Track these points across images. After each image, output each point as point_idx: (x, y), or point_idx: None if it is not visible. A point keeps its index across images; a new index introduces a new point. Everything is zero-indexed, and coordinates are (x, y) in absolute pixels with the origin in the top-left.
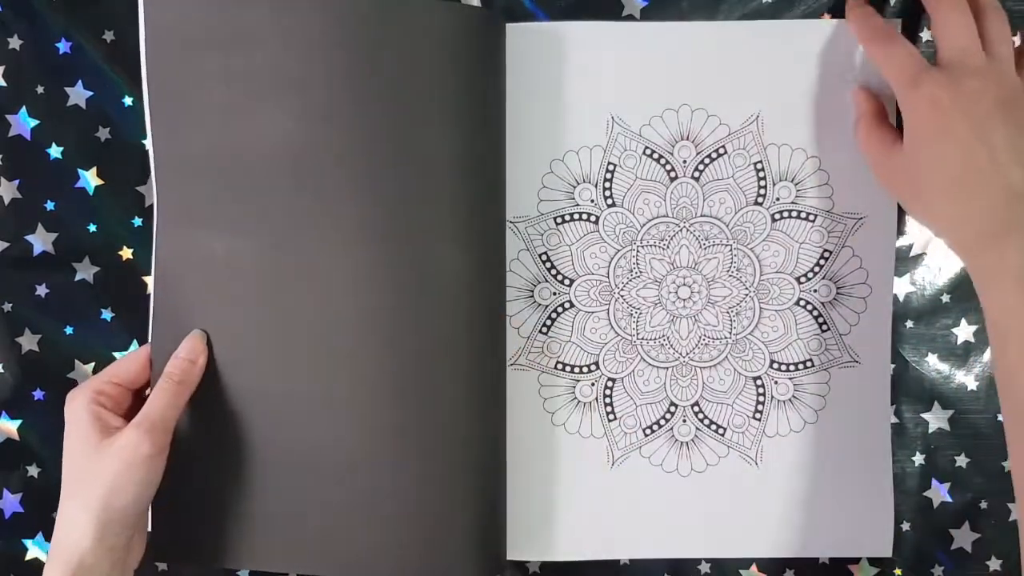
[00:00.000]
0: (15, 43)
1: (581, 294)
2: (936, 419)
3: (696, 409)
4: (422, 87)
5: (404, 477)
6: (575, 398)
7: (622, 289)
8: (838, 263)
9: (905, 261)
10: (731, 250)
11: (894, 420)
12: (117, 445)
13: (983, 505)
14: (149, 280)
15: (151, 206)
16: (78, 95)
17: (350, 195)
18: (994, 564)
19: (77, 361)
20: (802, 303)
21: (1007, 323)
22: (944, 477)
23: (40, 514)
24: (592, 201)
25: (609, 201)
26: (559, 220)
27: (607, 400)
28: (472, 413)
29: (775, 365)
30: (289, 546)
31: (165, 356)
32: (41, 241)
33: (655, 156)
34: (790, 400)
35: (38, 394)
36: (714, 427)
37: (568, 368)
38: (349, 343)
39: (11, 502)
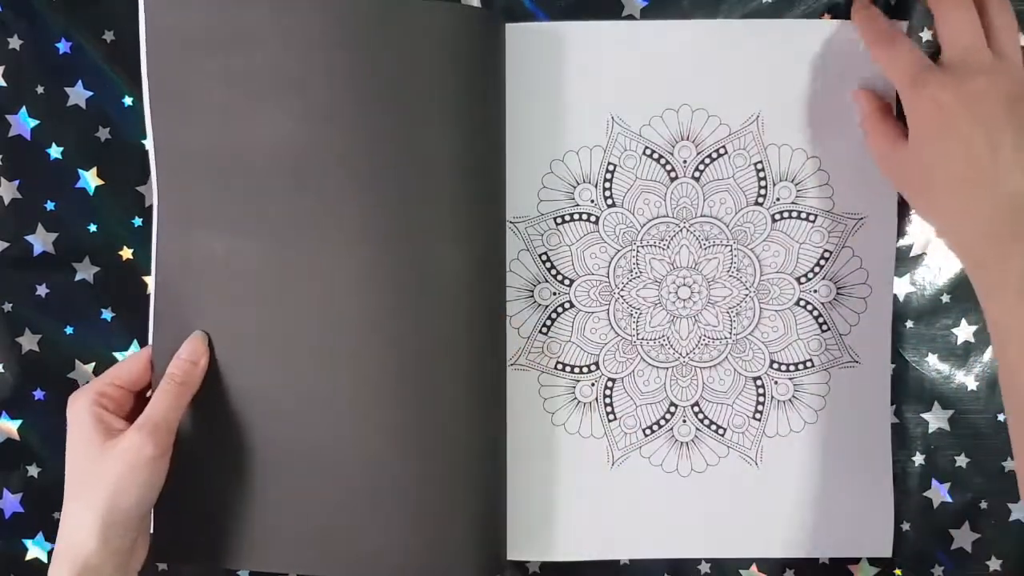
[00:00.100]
0: (15, 43)
1: (581, 294)
2: (936, 419)
3: (696, 409)
4: (422, 87)
5: (404, 477)
6: (575, 398)
7: (622, 289)
8: (838, 263)
9: (905, 261)
10: (731, 250)
11: (894, 420)
12: (120, 447)
13: (983, 505)
14: (149, 280)
15: (151, 206)
16: (78, 95)
17: (350, 195)
18: (994, 564)
19: (77, 361)
20: (802, 303)
21: (1007, 323)
22: (944, 477)
23: (40, 514)
24: (592, 201)
25: (609, 201)
26: (559, 220)
27: (607, 400)
28: (472, 413)
29: (775, 365)
30: (290, 546)
31: (167, 357)
32: (41, 241)
33: (655, 156)
34: (790, 400)
35: (38, 394)
36: (714, 427)
37: (568, 368)
38: (349, 343)
39: (11, 502)
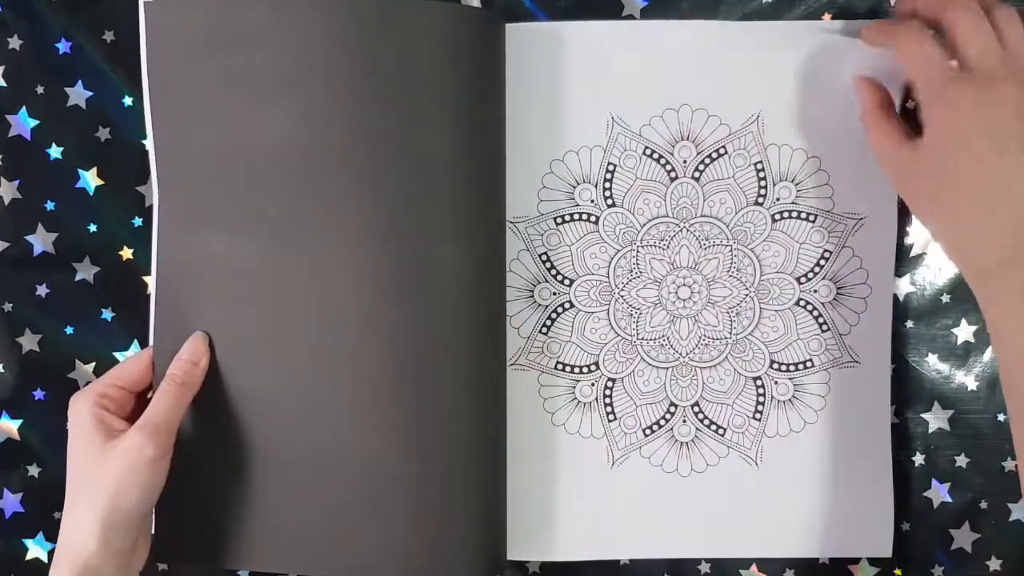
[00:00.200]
0: (15, 43)
1: (581, 294)
2: (936, 419)
3: (696, 409)
4: (422, 87)
5: (404, 477)
6: (575, 398)
7: (622, 289)
8: (838, 263)
9: (905, 261)
10: (731, 250)
11: (894, 420)
12: (121, 448)
13: (983, 505)
14: (149, 280)
15: (151, 206)
16: (78, 95)
17: (350, 195)
18: (994, 564)
19: (78, 361)
20: (802, 303)
21: (1009, 324)
22: (944, 477)
23: (40, 514)
24: (592, 201)
25: (609, 201)
26: (559, 220)
27: (607, 400)
28: (472, 413)
29: (775, 365)
30: (290, 546)
31: (167, 358)
32: (41, 241)
33: (655, 156)
34: (790, 400)
35: (38, 394)
36: (714, 427)
37: (568, 368)
38: (349, 343)
39: (11, 502)
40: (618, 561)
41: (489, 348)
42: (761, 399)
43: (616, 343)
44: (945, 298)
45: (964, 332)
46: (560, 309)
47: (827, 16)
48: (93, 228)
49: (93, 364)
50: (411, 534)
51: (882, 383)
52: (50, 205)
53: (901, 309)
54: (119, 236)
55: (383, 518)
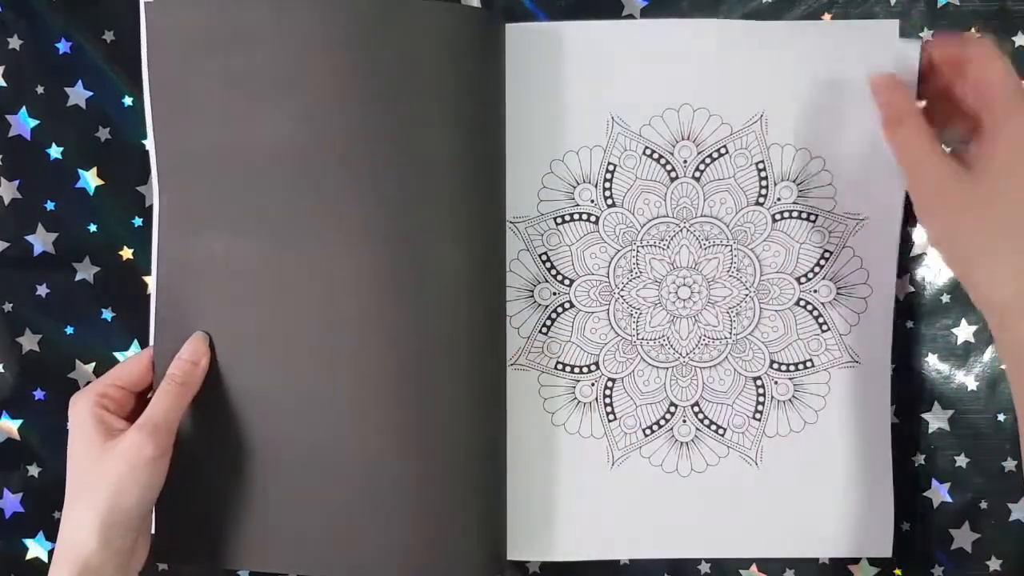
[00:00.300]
0: (15, 43)
1: (581, 294)
2: (936, 419)
3: (696, 409)
4: (422, 87)
5: (404, 477)
6: (575, 398)
7: (622, 289)
8: (838, 263)
9: (905, 261)
10: (731, 250)
11: (894, 420)
12: (121, 447)
13: (983, 505)
14: (149, 280)
15: (151, 206)
16: (78, 95)
17: (350, 195)
18: (994, 564)
19: (78, 361)
20: (802, 303)
21: None
22: (944, 477)
23: (40, 514)
24: (592, 201)
25: (609, 201)
26: (559, 220)
27: (607, 400)
28: (472, 413)
29: (775, 365)
30: (290, 546)
31: (168, 358)
32: (41, 241)
33: (655, 156)
34: (790, 400)
35: (38, 394)
36: (714, 427)
37: (568, 368)
38: (349, 343)
39: (11, 502)
40: (618, 561)
41: (489, 348)
42: (761, 399)
43: (616, 343)
44: (945, 298)
45: (964, 332)
46: (560, 309)
47: (827, 16)
48: (93, 228)
49: (93, 364)
50: (411, 534)
51: (882, 383)
52: (50, 205)
53: (901, 309)
54: (119, 236)
55: (383, 518)
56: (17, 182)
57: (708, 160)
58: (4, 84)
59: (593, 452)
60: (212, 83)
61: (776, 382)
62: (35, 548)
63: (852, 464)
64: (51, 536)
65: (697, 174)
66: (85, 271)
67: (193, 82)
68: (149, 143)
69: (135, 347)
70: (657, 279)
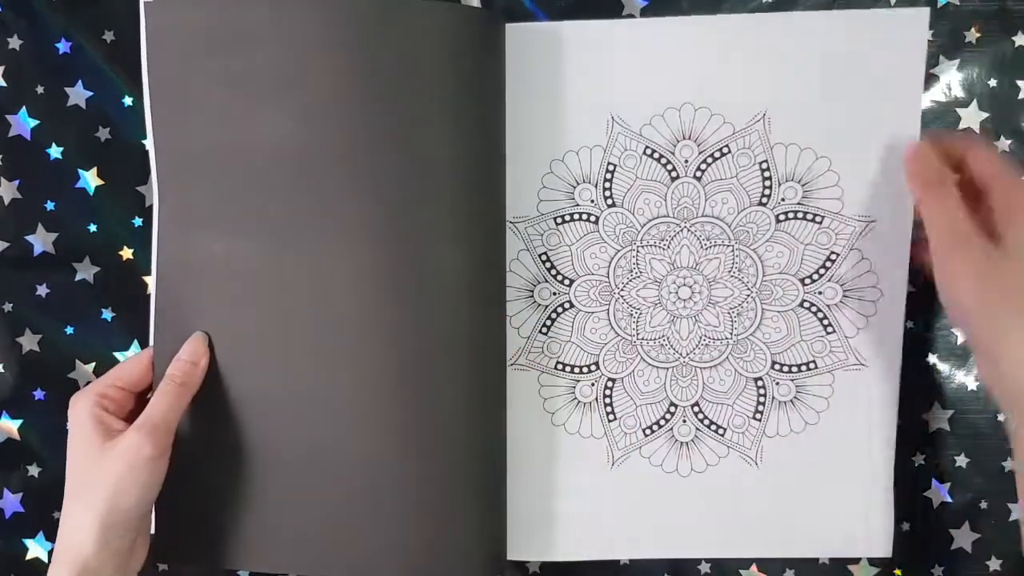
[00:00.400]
0: (15, 43)
1: (581, 294)
2: (936, 419)
3: (696, 409)
4: (422, 87)
5: (404, 477)
6: (575, 398)
7: (622, 289)
8: (845, 266)
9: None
10: (733, 251)
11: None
12: (119, 448)
13: (983, 505)
14: (149, 280)
15: (151, 206)
16: (78, 95)
17: (350, 195)
18: (994, 564)
19: (78, 361)
20: (806, 305)
21: None
22: (944, 477)
23: (40, 514)
24: (592, 201)
25: (609, 201)
26: (559, 220)
27: (607, 400)
28: (472, 413)
29: (777, 366)
30: (290, 547)
31: (167, 358)
32: (41, 241)
33: (656, 156)
34: (791, 401)
35: (38, 394)
36: (714, 427)
37: (568, 368)
38: (350, 343)
39: (11, 502)
40: (618, 561)
41: (489, 348)
42: (762, 400)
43: (616, 343)
44: None
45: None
46: (560, 309)
47: None
48: (93, 228)
49: (93, 364)
50: (411, 534)
51: (891, 386)
52: (50, 205)
53: None
54: (119, 236)
55: (383, 518)
56: (17, 182)
57: (710, 160)
58: (4, 84)
59: (593, 452)
60: (212, 83)
61: (777, 383)
62: (35, 548)
63: (853, 465)
64: (51, 536)
65: (698, 174)
66: (85, 271)
67: (193, 82)
68: (149, 143)
69: (135, 347)
70: (657, 279)
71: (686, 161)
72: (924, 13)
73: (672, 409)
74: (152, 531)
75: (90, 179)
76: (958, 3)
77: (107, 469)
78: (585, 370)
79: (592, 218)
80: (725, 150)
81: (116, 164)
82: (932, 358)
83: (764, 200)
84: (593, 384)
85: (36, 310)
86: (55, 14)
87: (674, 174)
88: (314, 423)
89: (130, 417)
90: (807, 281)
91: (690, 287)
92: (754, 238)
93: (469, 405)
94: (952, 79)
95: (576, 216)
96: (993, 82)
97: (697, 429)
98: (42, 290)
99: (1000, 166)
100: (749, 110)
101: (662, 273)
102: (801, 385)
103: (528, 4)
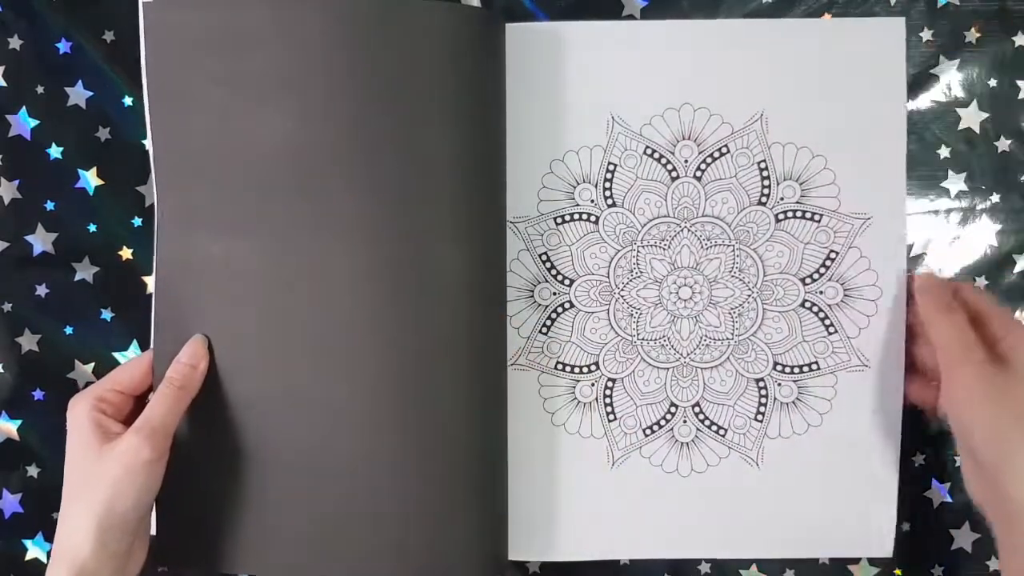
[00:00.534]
0: (15, 43)
1: (581, 294)
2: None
3: (697, 410)
4: (422, 87)
5: (404, 477)
6: (575, 398)
7: (622, 289)
8: (845, 264)
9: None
10: (733, 250)
11: None
12: (118, 450)
13: None
14: (149, 280)
15: (151, 206)
16: (78, 95)
17: (350, 196)
18: (994, 564)
19: (77, 361)
20: (808, 304)
21: None
22: (944, 477)
23: (40, 514)
24: (592, 201)
25: (609, 201)
26: (559, 220)
27: (607, 400)
28: (472, 413)
29: (779, 367)
30: (290, 548)
31: (167, 359)
32: (41, 241)
33: (656, 156)
34: (793, 402)
35: (38, 394)
36: (715, 428)
37: (568, 368)
38: (349, 344)
39: (11, 502)
40: (618, 561)
41: (489, 348)
42: (763, 400)
43: (616, 343)
44: None
45: None
46: (560, 309)
47: (827, 16)
48: (93, 228)
49: (93, 364)
50: (411, 534)
51: (895, 386)
52: (50, 205)
53: None
54: (119, 236)
55: (383, 518)
56: (17, 182)
57: (709, 160)
58: (4, 84)
59: (593, 452)
60: (212, 83)
61: (779, 384)
62: (34, 549)
63: (855, 466)
64: (50, 537)
65: (698, 174)
66: (85, 271)
67: (193, 82)
68: (149, 143)
69: (135, 347)
70: (658, 279)
71: (686, 161)
72: (900, 22)
73: (673, 409)
74: (153, 533)
75: (90, 179)
76: (958, 3)
77: (105, 471)
78: (585, 370)
79: (592, 218)
80: (724, 150)
81: (116, 164)
82: None
83: (763, 199)
84: (593, 384)
85: (36, 310)
86: (55, 14)
87: (674, 174)
88: (314, 424)
89: (129, 420)
90: (808, 280)
91: (691, 287)
92: (754, 238)
93: (469, 405)
94: (952, 79)
95: (576, 216)
96: (993, 82)
97: (698, 430)
98: (42, 290)
99: (993, 300)
100: (747, 110)
101: (662, 273)
102: (803, 386)
103: (528, 4)
